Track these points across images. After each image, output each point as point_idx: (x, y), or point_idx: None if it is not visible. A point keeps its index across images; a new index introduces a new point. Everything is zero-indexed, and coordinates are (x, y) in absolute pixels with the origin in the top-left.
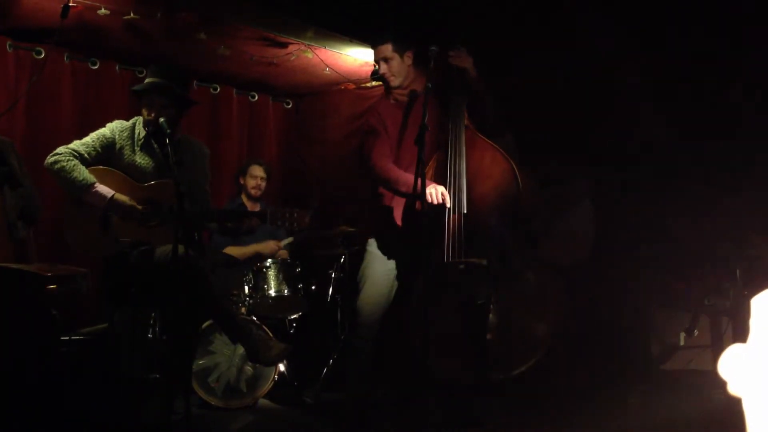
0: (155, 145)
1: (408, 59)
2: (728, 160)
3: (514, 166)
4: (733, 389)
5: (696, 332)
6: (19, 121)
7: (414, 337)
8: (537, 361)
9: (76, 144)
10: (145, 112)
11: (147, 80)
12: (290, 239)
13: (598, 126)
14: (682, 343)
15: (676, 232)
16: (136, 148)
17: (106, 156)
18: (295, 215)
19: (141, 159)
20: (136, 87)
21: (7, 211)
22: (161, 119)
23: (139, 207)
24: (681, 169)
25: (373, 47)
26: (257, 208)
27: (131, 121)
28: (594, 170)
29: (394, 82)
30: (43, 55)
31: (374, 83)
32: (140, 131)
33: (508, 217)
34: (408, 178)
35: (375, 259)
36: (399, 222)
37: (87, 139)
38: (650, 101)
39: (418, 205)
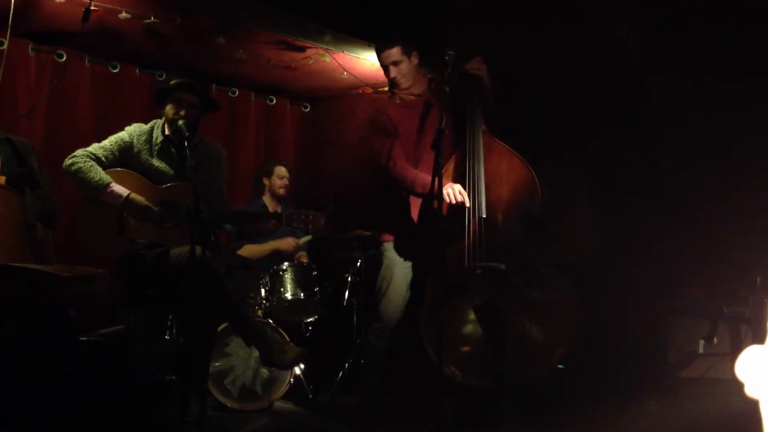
0: (172, 149)
1: (415, 59)
2: (747, 164)
3: (533, 171)
4: (750, 391)
5: (715, 340)
6: (40, 124)
7: (429, 340)
8: (553, 368)
9: (94, 147)
10: (171, 110)
11: (174, 80)
12: (309, 237)
13: (615, 128)
14: (701, 350)
15: (695, 239)
16: (153, 151)
17: (124, 159)
18: (311, 217)
19: (158, 162)
20: (165, 85)
21: (27, 212)
22: (180, 122)
23: (155, 208)
24: (699, 174)
25: (380, 51)
26: (279, 208)
27: (149, 125)
28: (610, 176)
29: (405, 84)
30: (64, 59)
31: None
32: (158, 135)
33: (527, 221)
34: (424, 178)
35: (394, 263)
36: (415, 221)
37: (105, 143)
38: (666, 101)
39: (435, 204)
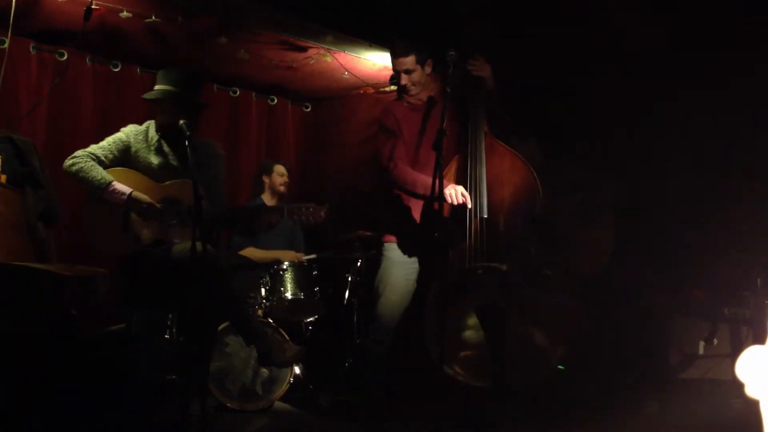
0: (167, 148)
1: (428, 68)
2: (747, 166)
3: (534, 172)
4: (750, 391)
5: (715, 341)
6: (41, 123)
7: (430, 341)
8: (553, 369)
9: (93, 148)
10: (159, 116)
11: (156, 87)
12: (313, 256)
13: (621, 132)
14: (701, 352)
15: (695, 240)
16: (150, 150)
17: (123, 159)
18: (311, 209)
19: (157, 160)
20: (146, 95)
21: (28, 211)
22: (181, 121)
23: (158, 205)
24: (701, 176)
25: (394, 57)
26: None
27: (145, 125)
28: (617, 177)
29: (414, 91)
30: (65, 58)
31: (393, 87)
32: (153, 135)
33: (528, 222)
34: (425, 180)
35: (393, 264)
36: (417, 222)
37: (103, 143)
38: (667, 105)
39: (435, 206)
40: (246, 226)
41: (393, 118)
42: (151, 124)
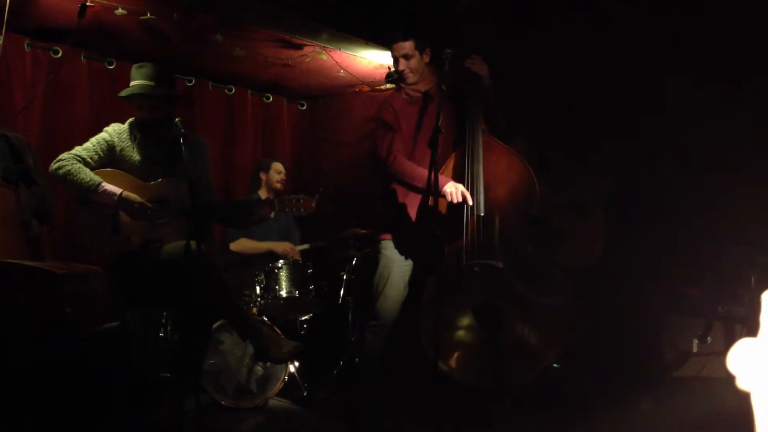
0: (149, 144)
1: (426, 57)
2: (744, 165)
3: (532, 171)
4: (742, 384)
5: (709, 339)
6: (36, 120)
7: (427, 338)
8: (549, 366)
9: (77, 149)
10: (137, 113)
11: (132, 83)
12: (306, 245)
13: (613, 129)
14: (695, 349)
15: (690, 239)
16: (135, 148)
17: (109, 159)
18: (302, 201)
19: (141, 158)
20: (122, 93)
21: (22, 209)
22: (177, 119)
23: (149, 204)
24: (696, 174)
25: (392, 43)
26: None
27: (127, 123)
28: (609, 174)
29: (411, 79)
30: (60, 55)
31: (388, 86)
32: (137, 133)
33: (525, 220)
34: (423, 173)
35: (392, 261)
36: (412, 220)
37: (87, 144)
38: (663, 104)
39: (431, 201)
40: (238, 220)
41: (391, 110)
42: (133, 122)
